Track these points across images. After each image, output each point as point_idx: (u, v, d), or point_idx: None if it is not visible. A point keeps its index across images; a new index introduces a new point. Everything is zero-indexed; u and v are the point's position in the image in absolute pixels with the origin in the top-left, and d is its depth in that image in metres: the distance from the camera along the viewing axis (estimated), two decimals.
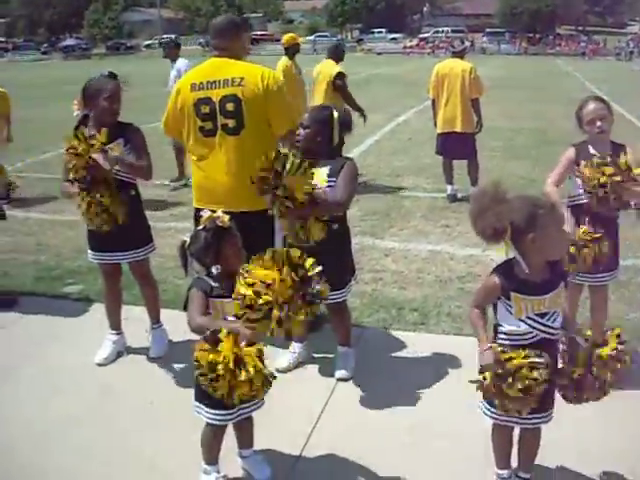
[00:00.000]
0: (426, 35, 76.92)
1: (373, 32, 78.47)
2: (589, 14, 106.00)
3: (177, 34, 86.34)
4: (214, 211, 3.42)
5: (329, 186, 4.20)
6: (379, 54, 60.05)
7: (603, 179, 4.16)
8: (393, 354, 4.98)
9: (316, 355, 4.91)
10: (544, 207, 2.96)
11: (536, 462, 3.45)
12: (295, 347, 4.82)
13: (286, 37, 10.40)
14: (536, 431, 3.30)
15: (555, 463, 3.67)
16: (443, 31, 78.98)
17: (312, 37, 78.41)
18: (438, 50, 60.75)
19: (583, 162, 4.33)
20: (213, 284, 3.26)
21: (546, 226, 2.93)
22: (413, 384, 4.57)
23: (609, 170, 4.16)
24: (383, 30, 79.84)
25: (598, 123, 4.39)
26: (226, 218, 3.33)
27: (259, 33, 78.59)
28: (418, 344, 5.13)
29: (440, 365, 4.80)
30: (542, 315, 3.05)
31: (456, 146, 9.15)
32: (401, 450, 3.86)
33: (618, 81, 30.35)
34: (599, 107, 4.43)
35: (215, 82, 4.43)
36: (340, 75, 9.55)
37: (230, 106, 4.39)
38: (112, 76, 4.64)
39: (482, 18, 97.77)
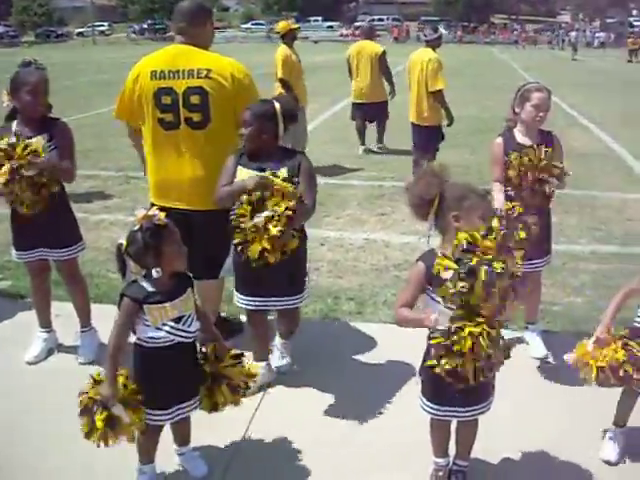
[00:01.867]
0: (362, 23, 77.05)
1: (309, 20, 78.14)
2: (522, 3, 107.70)
3: (110, 21, 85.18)
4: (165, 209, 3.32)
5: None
6: (316, 42, 59.88)
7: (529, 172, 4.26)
8: (330, 344, 4.96)
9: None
10: (477, 193, 3.04)
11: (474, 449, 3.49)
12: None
13: (281, 24, 10.45)
14: (473, 422, 3.33)
15: (493, 449, 3.71)
16: (380, 19, 79.43)
17: (248, 25, 77.98)
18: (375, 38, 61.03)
19: (513, 155, 4.40)
20: (150, 289, 3.12)
21: (472, 210, 2.97)
22: (351, 374, 4.57)
23: (536, 160, 4.24)
24: (319, 18, 79.70)
25: (541, 113, 4.44)
26: (162, 215, 3.16)
27: None
28: (355, 333, 5.14)
29: (378, 354, 4.79)
30: None
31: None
32: (341, 442, 3.85)
33: (551, 69, 30.98)
34: (544, 96, 4.46)
35: (178, 72, 4.16)
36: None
37: (195, 99, 4.14)
38: (37, 66, 4.43)
39: (417, 6, 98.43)
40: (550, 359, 4.74)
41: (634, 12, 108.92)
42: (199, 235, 4.15)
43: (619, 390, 3.64)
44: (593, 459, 3.70)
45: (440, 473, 3.46)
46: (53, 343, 4.87)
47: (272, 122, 4.01)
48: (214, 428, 3.78)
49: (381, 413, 4.11)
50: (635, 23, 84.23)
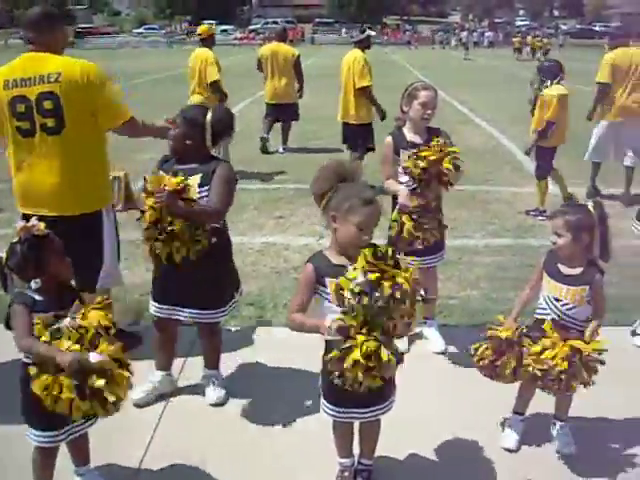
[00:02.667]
0: (256, 26, 77.07)
1: (203, 24, 77.50)
2: (413, 4, 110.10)
3: None
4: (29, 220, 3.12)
5: (200, 197, 3.83)
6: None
7: (423, 164, 4.29)
8: (231, 351, 4.85)
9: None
10: (362, 197, 2.94)
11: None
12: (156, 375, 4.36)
13: (202, 28, 10.67)
14: (375, 422, 3.33)
15: (398, 446, 3.73)
16: (275, 22, 79.49)
17: (140, 30, 76.66)
18: (268, 41, 61.05)
19: (404, 153, 4.45)
20: (37, 297, 2.98)
21: (349, 214, 2.93)
22: (253, 379, 4.53)
23: (427, 154, 4.29)
24: (213, 22, 78.93)
25: (428, 111, 4.52)
26: (42, 225, 3.04)
27: (84, 26, 75.20)
28: (256, 338, 5.08)
29: (279, 357, 4.74)
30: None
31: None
32: (248, 447, 3.81)
33: (444, 68, 31.75)
34: (431, 95, 4.55)
35: (30, 79, 4.05)
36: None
37: (48, 104, 4.03)
38: None
39: (311, 9, 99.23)
40: (449, 351, 4.82)
41: (520, 12, 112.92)
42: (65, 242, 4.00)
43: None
44: (494, 448, 3.79)
45: (346, 473, 3.45)
46: None
47: (198, 130, 3.92)
48: (114, 444, 3.65)
49: (286, 417, 4.07)
50: (519, 23, 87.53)
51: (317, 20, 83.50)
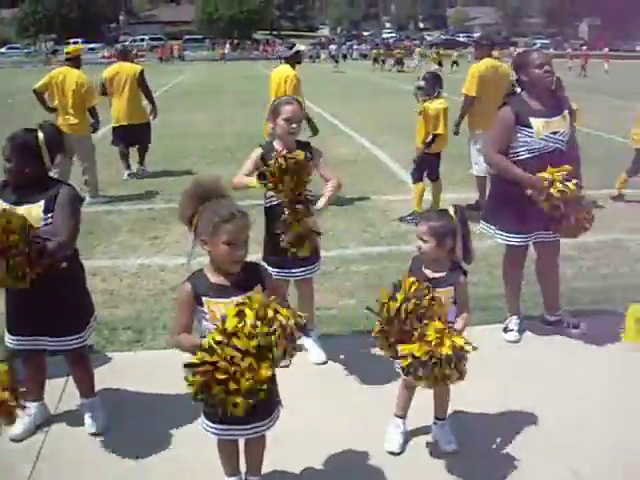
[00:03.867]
0: (124, 44, 75.67)
1: (69, 42, 75.23)
2: (283, 19, 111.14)
3: None
4: None
5: (46, 224, 3.67)
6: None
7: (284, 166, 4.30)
8: (110, 376, 4.69)
9: None
10: (224, 216, 2.92)
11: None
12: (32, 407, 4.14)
13: (72, 48, 10.53)
14: (259, 438, 3.28)
15: (285, 458, 3.71)
16: (142, 40, 78.45)
17: (3, 49, 73.73)
18: (138, 59, 60.04)
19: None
20: None
21: (217, 236, 2.92)
22: (130, 404, 4.40)
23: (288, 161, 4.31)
24: (79, 40, 76.91)
25: (293, 125, 4.55)
26: None
27: None
28: (135, 363, 4.95)
29: (160, 380, 4.57)
30: None
31: None
32: (132, 476, 3.70)
33: (314, 81, 32.14)
34: (294, 109, 4.57)
35: None
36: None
37: None
38: None
39: (180, 25, 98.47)
40: (330, 362, 4.86)
41: (387, 25, 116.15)
42: None
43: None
44: (379, 451, 3.86)
45: None
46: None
47: (34, 154, 3.73)
48: None
49: (167, 443, 3.97)
50: (386, 35, 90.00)
51: (186, 37, 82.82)
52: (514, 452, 3.86)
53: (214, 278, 3.02)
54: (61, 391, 4.50)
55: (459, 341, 3.33)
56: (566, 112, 5.06)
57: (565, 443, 3.94)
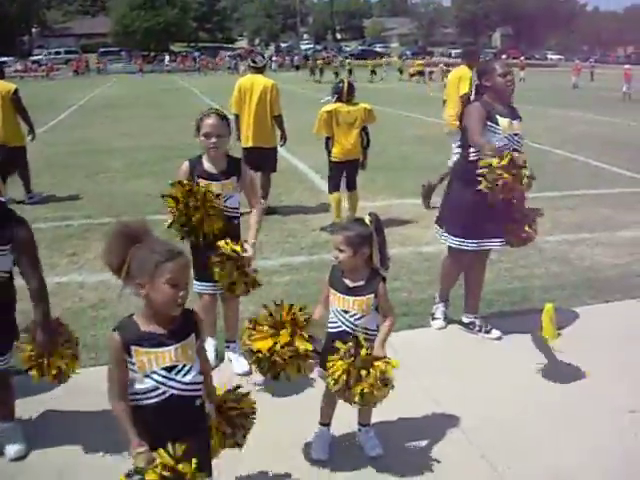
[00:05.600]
0: (38, 57, 74.02)
1: None
2: (199, 31, 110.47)
3: None
4: None
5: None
6: None
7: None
8: (33, 398, 4.56)
9: None
10: (164, 255, 2.73)
11: None
12: None
13: None
14: None
15: None
16: (58, 52, 76.91)
17: None
18: (53, 73, 58.83)
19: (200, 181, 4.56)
20: None
21: (158, 277, 2.71)
22: (55, 428, 4.31)
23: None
24: None
25: (212, 139, 4.50)
26: None
27: None
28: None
29: (88, 403, 4.45)
30: (170, 369, 2.81)
31: (259, 160, 8.99)
32: None
33: (231, 94, 32.01)
34: (213, 123, 4.52)
35: None
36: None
37: None
38: None
39: (95, 37, 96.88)
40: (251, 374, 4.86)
41: (305, 36, 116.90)
42: None
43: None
44: (308, 459, 3.90)
45: None
46: None
47: None
48: None
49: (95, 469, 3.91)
50: (304, 47, 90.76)
51: (102, 50, 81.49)
52: (438, 452, 3.95)
53: (145, 326, 2.80)
54: None
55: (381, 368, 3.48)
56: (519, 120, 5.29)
57: (487, 442, 4.05)
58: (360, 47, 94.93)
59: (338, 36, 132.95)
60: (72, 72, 62.04)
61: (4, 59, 72.97)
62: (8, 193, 9.85)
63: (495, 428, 4.20)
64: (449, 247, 5.51)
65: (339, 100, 8.24)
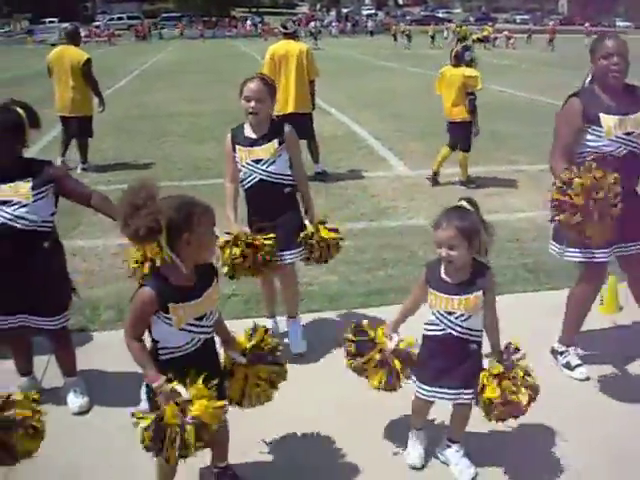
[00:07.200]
0: (98, 23, 74.79)
1: (44, 22, 74.14)
2: None
3: None
4: None
5: (36, 200, 3.72)
6: (53, 45, 57.28)
7: None
8: (92, 355, 4.69)
9: None
10: (198, 206, 2.83)
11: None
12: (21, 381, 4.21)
13: None
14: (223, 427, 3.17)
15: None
16: (120, 18, 77.61)
17: None
18: (115, 38, 59.45)
19: (239, 149, 4.48)
20: None
21: (200, 226, 2.79)
22: (115, 385, 4.37)
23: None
24: (55, 19, 75.89)
25: (251, 104, 4.34)
26: None
27: None
28: (117, 342, 4.92)
29: None
30: (200, 318, 2.92)
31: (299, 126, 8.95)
32: (119, 457, 3.70)
33: None
34: (253, 88, 4.35)
35: None
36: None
37: None
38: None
39: (157, 3, 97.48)
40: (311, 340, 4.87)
41: (366, 1, 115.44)
42: None
43: None
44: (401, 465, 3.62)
45: None
46: None
47: (15, 132, 3.71)
48: None
49: None
50: (366, 12, 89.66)
51: (163, 15, 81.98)
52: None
53: (176, 281, 2.85)
54: (43, 370, 4.49)
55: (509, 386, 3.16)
56: None
57: None
58: (422, 13, 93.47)
59: (400, 1, 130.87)
60: (134, 37, 62.63)
61: (67, 24, 74.46)
62: (67, 159, 10.24)
63: None
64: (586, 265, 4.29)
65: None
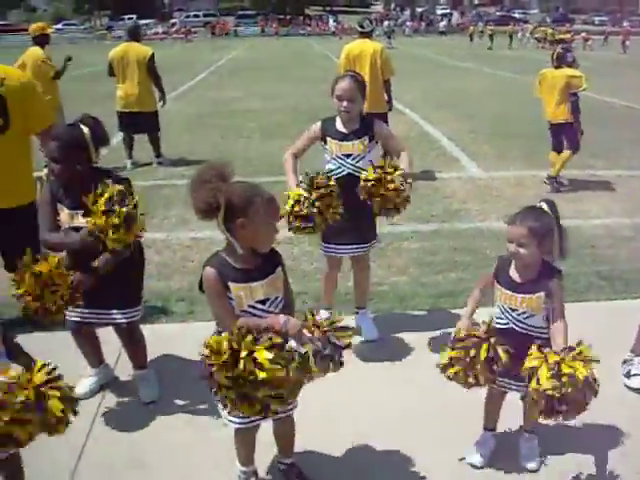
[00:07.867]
0: (174, 20, 76.06)
1: (123, 19, 75.71)
2: None
3: None
4: None
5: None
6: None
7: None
8: (163, 348, 4.75)
9: None
10: (262, 196, 2.85)
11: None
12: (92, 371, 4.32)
13: (33, 27, 10.18)
14: (288, 419, 3.25)
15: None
16: (196, 15, 78.79)
17: (59, 25, 74.60)
18: (191, 35, 60.42)
19: (330, 141, 4.53)
20: None
21: (258, 215, 2.80)
22: (181, 376, 4.42)
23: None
24: (134, 16, 77.37)
25: (344, 103, 4.43)
26: None
27: None
28: (188, 334, 5.00)
29: None
30: (263, 302, 2.95)
31: None
32: (186, 448, 3.75)
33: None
34: (344, 87, 4.44)
35: None
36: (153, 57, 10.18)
37: None
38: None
39: (233, 1, 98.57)
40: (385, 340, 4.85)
41: (441, 1, 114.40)
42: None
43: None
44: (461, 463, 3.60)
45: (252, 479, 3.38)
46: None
47: (82, 150, 3.70)
48: (45, 451, 3.55)
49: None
50: (441, 12, 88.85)
51: (239, 12, 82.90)
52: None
53: (237, 264, 2.91)
54: (114, 362, 4.58)
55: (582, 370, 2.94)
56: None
57: None
58: (497, 13, 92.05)
59: (475, 1, 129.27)
60: (210, 34, 63.50)
61: (146, 21, 75.93)
62: (134, 157, 10.44)
63: None
64: None
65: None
